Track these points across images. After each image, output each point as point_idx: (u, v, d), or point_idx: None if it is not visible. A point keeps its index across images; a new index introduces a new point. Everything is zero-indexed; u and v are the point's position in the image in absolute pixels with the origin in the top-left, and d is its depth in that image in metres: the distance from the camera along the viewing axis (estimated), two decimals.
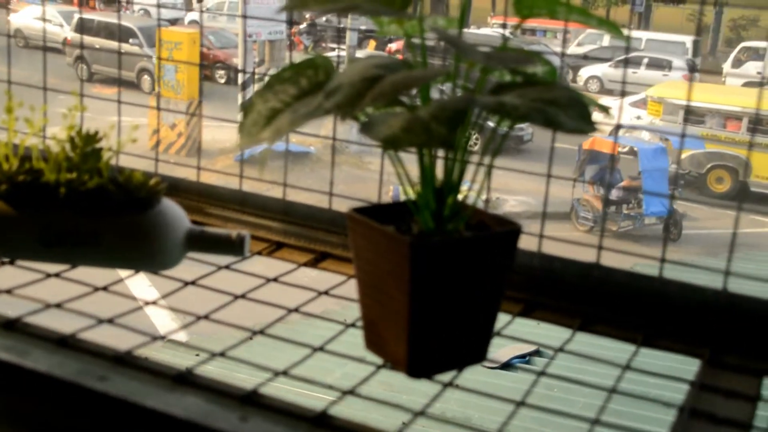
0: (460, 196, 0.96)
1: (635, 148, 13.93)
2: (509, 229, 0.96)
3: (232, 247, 1.17)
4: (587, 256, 1.16)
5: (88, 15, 21.23)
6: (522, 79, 0.95)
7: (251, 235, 1.32)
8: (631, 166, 14.10)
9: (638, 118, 17.60)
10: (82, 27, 18.92)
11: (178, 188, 1.38)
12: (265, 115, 0.91)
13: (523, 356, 3.94)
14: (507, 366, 3.83)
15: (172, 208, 1.17)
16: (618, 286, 1.14)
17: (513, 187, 14.86)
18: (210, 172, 1.52)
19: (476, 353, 0.98)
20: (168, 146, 14.79)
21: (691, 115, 16.07)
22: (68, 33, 22.29)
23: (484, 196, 1.03)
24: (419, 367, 0.94)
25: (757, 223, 13.90)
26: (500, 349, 3.65)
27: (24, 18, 23.71)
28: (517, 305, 1.15)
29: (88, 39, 19.84)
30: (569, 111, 0.85)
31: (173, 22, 23.64)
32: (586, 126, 0.84)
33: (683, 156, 15.70)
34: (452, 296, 0.93)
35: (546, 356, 3.92)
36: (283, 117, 0.90)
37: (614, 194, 14.06)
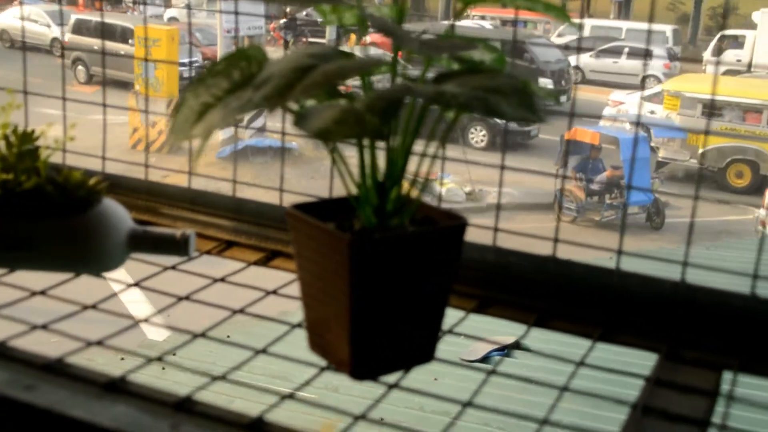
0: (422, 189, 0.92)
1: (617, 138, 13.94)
2: (455, 223, 0.92)
3: (177, 246, 1.13)
4: (545, 249, 1.13)
5: (85, 16, 20.96)
6: (467, 68, 0.91)
7: (201, 233, 1.28)
8: (614, 156, 14.11)
9: (652, 113, 17.50)
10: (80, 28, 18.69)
11: (127, 187, 1.34)
12: (196, 111, 0.87)
13: (501, 349, 3.91)
14: (485, 360, 3.80)
15: (113, 207, 1.13)
16: (575, 280, 1.10)
17: (498, 179, 14.82)
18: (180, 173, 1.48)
19: (424, 353, 0.95)
20: (149, 144, 14.70)
21: (709, 108, 15.97)
22: (56, 33, 22.08)
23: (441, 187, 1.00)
24: (363, 368, 0.91)
25: (741, 211, 13.95)
26: (477, 343, 3.62)
27: (7, 18, 23.51)
28: (471, 301, 1.12)
29: (86, 40, 19.60)
30: (512, 99, 0.81)
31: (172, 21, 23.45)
32: (529, 114, 0.80)
33: (700, 150, 15.60)
34: (396, 294, 0.89)
35: (527, 349, 3.89)
36: (214, 112, 0.86)
37: (597, 184, 14.06)
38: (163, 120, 14.68)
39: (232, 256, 1.24)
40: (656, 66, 23.57)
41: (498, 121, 16.83)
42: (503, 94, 0.81)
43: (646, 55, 22.67)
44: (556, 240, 1.12)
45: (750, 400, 0.93)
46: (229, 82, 0.87)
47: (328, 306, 0.91)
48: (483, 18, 26.81)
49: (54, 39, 22.45)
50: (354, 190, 0.91)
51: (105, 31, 19.29)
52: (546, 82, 20.46)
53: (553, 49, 21.61)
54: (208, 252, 1.24)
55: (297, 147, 14.80)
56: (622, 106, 18.32)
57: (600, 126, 15.08)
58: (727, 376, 0.98)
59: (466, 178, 14.09)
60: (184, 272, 1.16)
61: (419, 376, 0.93)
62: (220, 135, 14.91)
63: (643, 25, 24.91)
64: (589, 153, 14.06)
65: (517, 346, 4.01)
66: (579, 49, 22.88)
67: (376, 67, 0.82)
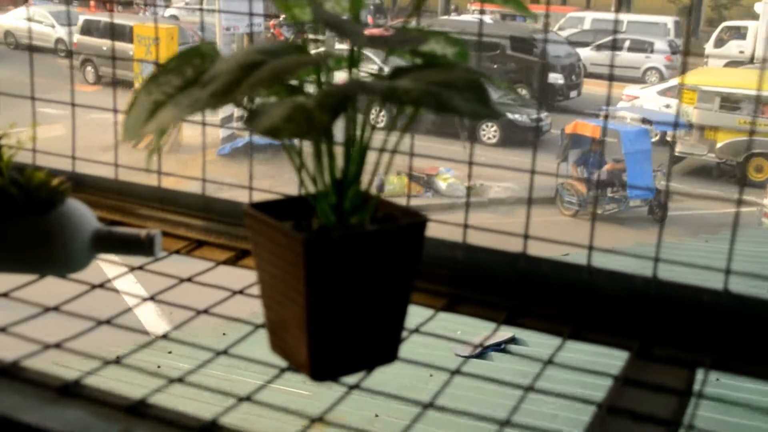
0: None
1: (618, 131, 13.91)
2: (415, 221, 0.90)
3: (142, 246, 1.11)
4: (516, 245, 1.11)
5: (94, 16, 20.88)
6: (426, 62, 0.89)
7: (171, 233, 1.26)
8: (615, 150, 14.07)
9: (667, 107, 17.38)
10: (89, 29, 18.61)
11: (97, 187, 1.32)
12: (148, 109, 0.85)
13: (498, 344, 3.89)
14: (481, 355, 3.78)
15: (77, 208, 1.11)
16: (545, 277, 1.09)
17: (500, 173, 14.82)
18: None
19: (386, 353, 0.93)
20: (148, 143, 14.67)
21: (727, 102, 15.84)
22: (61, 33, 22.03)
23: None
24: (322, 370, 0.89)
25: (747, 203, 13.89)
26: (473, 338, 3.61)
27: (12, 19, 23.51)
28: (440, 299, 1.10)
29: (94, 41, 19.54)
30: (466, 94, 0.79)
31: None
32: (483, 109, 0.78)
33: (719, 144, 15.45)
34: (355, 294, 0.88)
35: (522, 343, 3.88)
36: (166, 110, 0.84)
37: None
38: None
39: (202, 255, 1.23)
40: (658, 58, 23.50)
41: (509, 116, 16.88)
42: (457, 89, 0.79)
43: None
44: (526, 236, 1.10)
45: (722, 398, 0.92)
46: (182, 80, 0.86)
47: (286, 307, 0.89)
48: (483, 12, 26.76)
49: (58, 39, 22.43)
50: (312, 188, 0.89)
51: (113, 32, 19.19)
52: (557, 77, 20.38)
53: (564, 44, 21.53)
54: (177, 251, 1.23)
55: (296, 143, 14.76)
56: (637, 100, 18.22)
57: (601, 119, 15.03)
58: (699, 374, 0.97)
59: (467, 173, 14.07)
60: (151, 272, 1.15)
61: (380, 376, 0.91)
62: (221, 133, 14.90)
63: (644, 17, 24.86)
64: (590, 146, 14.03)
65: (512, 341, 4.00)
66: (574, 44, 22.78)
67: (326, 62, 0.81)
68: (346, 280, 0.87)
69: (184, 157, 13.87)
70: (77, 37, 20.19)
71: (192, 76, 0.86)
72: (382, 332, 0.92)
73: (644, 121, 15.15)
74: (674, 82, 18.27)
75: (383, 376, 0.93)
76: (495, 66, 20.01)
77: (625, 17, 25.66)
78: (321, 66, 0.81)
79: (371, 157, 0.89)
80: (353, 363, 0.91)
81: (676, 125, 13.23)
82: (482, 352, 3.82)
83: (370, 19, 26.79)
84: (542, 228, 12.81)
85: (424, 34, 0.88)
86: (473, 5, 26.70)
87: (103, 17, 20.38)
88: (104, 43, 19.31)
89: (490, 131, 17.30)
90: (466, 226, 1.13)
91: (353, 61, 0.85)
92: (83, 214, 1.11)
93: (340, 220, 0.89)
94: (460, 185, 13.81)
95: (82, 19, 20.34)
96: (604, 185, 13.96)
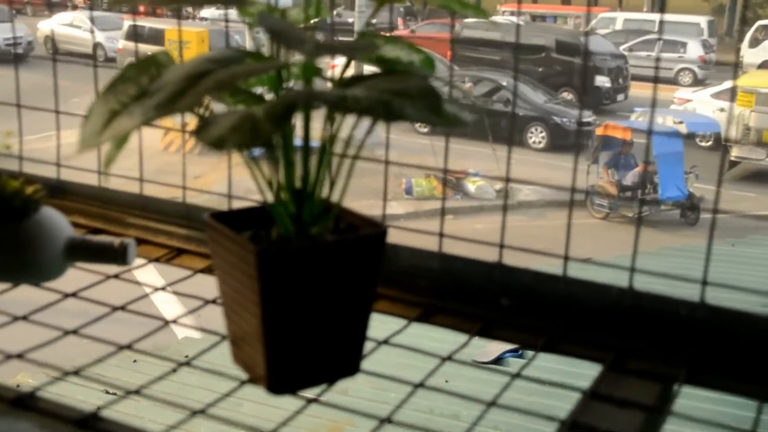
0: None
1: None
2: (374, 231, 0.89)
3: (115, 255, 1.10)
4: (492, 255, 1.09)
5: (139, 22, 20.95)
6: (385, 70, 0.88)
7: (152, 241, 1.26)
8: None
9: (721, 110, 17.11)
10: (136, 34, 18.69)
11: (79, 194, 1.32)
12: (104, 118, 0.84)
13: (515, 350, 3.86)
14: (498, 361, 3.75)
15: (51, 216, 1.11)
16: (521, 287, 1.07)
17: (529, 176, 14.74)
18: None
19: (348, 365, 0.92)
20: (180, 146, 14.76)
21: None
22: (99, 38, 22.15)
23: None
24: (280, 383, 0.88)
25: None
26: (489, 345, 3.58)
27: (52, 24, 23.76)
28: (415, 310, 1.08)
29: (140, 47, 19.61)
30: (418, 102, 0.77)
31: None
32: (433, 118, 0.77)
33: None
34: (313, 305, 0.86)
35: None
36: (120, 119, 0.83)
37: (629, 179, 13.91)
38: (195, 121, 14.73)
39: (181, 263, 1.22)
40: (691, 59, 23.26)
41: (557, 120, 16.60)
42: (410, 97, 0.78)
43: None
44: (501, 246, 1.08)
45: (692, 415, 0.89)
46: (138, 89, 0.85)
47: (244, 319, 0.88)
48: (513, 14, 26.65)
49: (97, 44, 22.57)
50: (270, 198, 0.88)
51: (156, 37, 19.21)
52: (603, 81, 20.14)
53: (610, 46, 21.31)
54: (157, 260, 1.22)
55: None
56: (689, 104, 17.95)
57: (632, 121, 14.91)
58: (671, 388, 0.94)
59: (496, 175, 14.01)
60: (127, 281, 1.14)
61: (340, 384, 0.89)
62: None
63: (677, 17, 24.60)
64: (621, 148, 13.91)
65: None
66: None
67: (274, 70, 0.79)
68: (303, 291, 0.85)
69: (213, 160, 13.92)
70: (122, 43, 20.33)
71: (147, 86, 0.85)
72: (342, 344, 0.90)
73: (679, 123, 14.98)
74: (728, 84, 17.96)
75: (345, 389, 0.91)
76: (540, 69, 19.79)
77: (657, 17, 25.43)
78: (266, 74, 0.80)
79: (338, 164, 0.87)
80: (313, 376, 0.90)
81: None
82: (499, 357, 3.80)
83: (400, 22, 26.75)
84: (572, 231, 12.65)
85: (378, 41, 0.86)
86: (503, 6, 26.60)
87: (147, 23, 20.45)
88: (149, 49, 19.37)
89: (537, 135, 17.20)
90: (441, 235, 1.12)
91: (309, 69, 0.83)
92: (57, 223, 1.11)
93: (299, 231, 0.88)
94: (489, 187, 13.74)
95: (126, 24, 20.42)
96: (635, 188, 13.83)
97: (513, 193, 14.02)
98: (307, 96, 0.77)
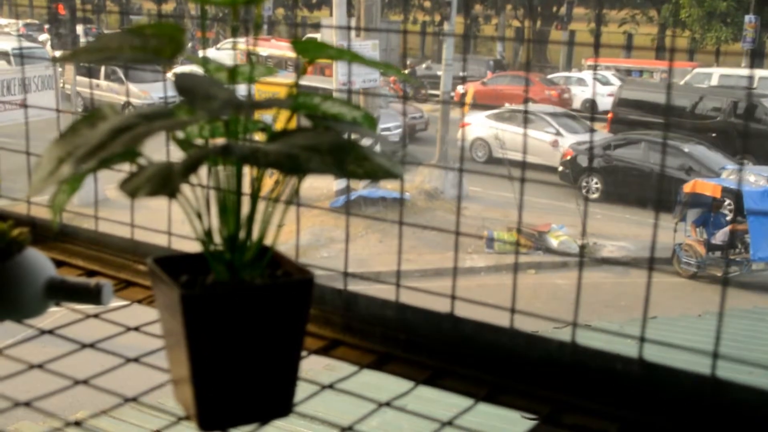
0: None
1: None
2: (301, 278, 0.93)
3: (91, 295, 1.17)
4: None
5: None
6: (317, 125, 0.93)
7: (139, 283, 1.32)
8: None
9: None
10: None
11: (76, 237, 1.40)
12: (51, 166, 0.91)
13: None
14: None
15: (34, 257, 1.18)
16: (468, 339, 1.09)
17: (612, 232, 14.54)
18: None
19: (279, 405, 0.95)
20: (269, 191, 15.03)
21: None
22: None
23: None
24: (210, 421, 0.92)
25: None
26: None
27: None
28: (369, 356, 1.12)
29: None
30: (326, 157, 0.82)
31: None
32: (338, 172, 0.81)
33: None
34: (240, 348, 0.90)
35: None
36: (63, 167, 0.90)
37: (719, 238, 13.58)
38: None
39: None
40: None
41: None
42: (319, 152, 0.82)
43: None
44: (453, 297, 1.11)
45: None
46: (81, 139, 0.91)
47: (178, 359, 0.93)
48: (608, 68, 26.49)
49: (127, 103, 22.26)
50: (204, 243, 0.93)
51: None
52: None
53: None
54: (139, 301, 1.28)
55: (409, 197, 14.91)
56: None
57: (721, 179, 14.58)
58: None
59: (580, 231, 13.86)
60: (104, 320, 1.21)
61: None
62: (335, 185, 15.17)
63: None
64: (711, 206, 13.60)
65: None
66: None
67: (186, 126, 0.85)
68: (230, 334, 0.90)
69: (302, 209, 14.13)
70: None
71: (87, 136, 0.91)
72: (271, 386, 0.94)
73: None
74: None
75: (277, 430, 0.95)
76: (713, 135, 18.47)
77: (758, 72, 24.87)
78: (178, 130, 0.85)
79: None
80: (243, 415, 0.94)
81: None
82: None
83: (489, 74, 26.84)
84: (658, 289, 12.47)
85: (316, 99, 0.91)
86: (588, 61, 26.46)
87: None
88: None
89: (592, 185, 16.97)
90: (398, 285, 1.15)
91: (231, 125, 0.89)
92: (39, 264, 1.18)
93: (232, 276, 0.93)
94: (572, 243, 13.59)
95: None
96: (725, 247, 13.49)
97: (597, 249, 13.83)
98: (222, 150, 0.82)
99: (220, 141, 0.91)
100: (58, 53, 16.24)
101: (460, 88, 21.70)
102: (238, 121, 0.89)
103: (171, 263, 0.96)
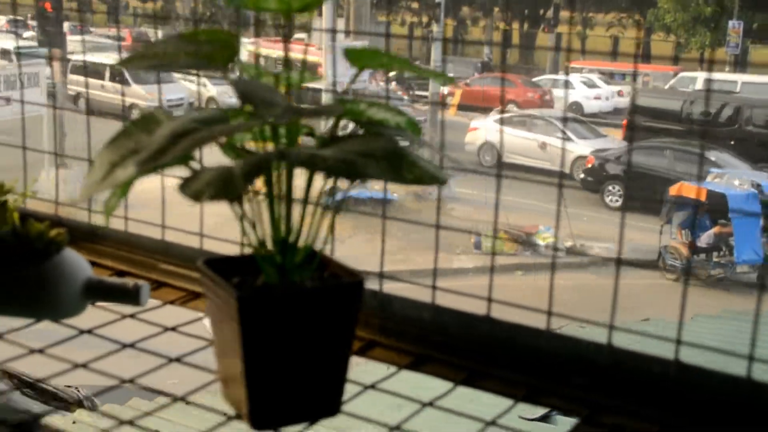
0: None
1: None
2: (352, 280, 0.95)
3: (129, 296, 1.18)
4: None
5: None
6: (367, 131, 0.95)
7: (170, 284, 1.34)
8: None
9: None
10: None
11: (107, 238, 1.41)
12: (104, 170, 0.92)
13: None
14: (545, 418, 3.74)
15: (72, 258, 1.19)
16: (505, 340, 1.11)
17: (600, 234, 14.59)
18: None
19: (327, 406, 0.97)
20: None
21: None
22: (213, 92, 21.58)
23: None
24: (262, 420, 0.94)
25: None
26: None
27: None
28: (406, 357, 1.14)
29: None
30: (381, 163, 0.84)
31: None
32: (393, 177, 0.83)
33: None
34: (291, 349, 0.92)
35: None
36: (117, 172, 0.91)
37: (704, 241, 13.67)
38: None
39: (195, 306, 1.29)
40: None
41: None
42: (374, 158, 0.84)
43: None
44: (489, 300, 1.13)
45: None
46: (135, 144, 0.93)
47: (229, 359, 0.94)
48: (591, 71, 26.65)
49: (210, 99, 21.95)
50: (255, 247, 0.95)
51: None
52: None
53: None
54: (172, 302, 1.30)
55: (397, 198, 14.93)
56: None
57: (707, 182, 14.67)
58: None
59: (567, 232, 13.93)
60: (140, 321, 1.22)
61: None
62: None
63: (760, 78, 24.16)
64: (696, 209, 13.69)
65: None
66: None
67: (247, 129, 0.87)
68: (282, 335, 0.91)
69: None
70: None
71: (143, 141, 0.93)
72: (321, 386, 0.96)
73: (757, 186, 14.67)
74: None
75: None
76: (732, 143, 18.37)
77: (738, 77, 25.02)
78: (235, 134, 0.87)
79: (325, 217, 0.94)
80: (293, 415, 0.96)
81: None
82: (546, 415, 3.78)
83: (473, 76, 26.92)
84: (644, 291, 12.54)
85: (362, 105, 0.93)
86: (572, 63, 26.60)
87: None
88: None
89: (615, 194, 17.04)
90: (434, 288, 1.17)
91: (292, 129, 0.90)
92: (77, 264, 1.19)
93: (282, 278, 0.95)
94: (559, 245, 13.65)
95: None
96: (710, 249, 13.58)
97: (584, 250, 13.89)
98: (279, 155, 0.84)
99: (271, 146, 0.93)
100: (44, 50, 16.19)
101: (444, 89, 21.75)
102: (293, 127, 0.91)
103: (218, 265, 0.98)
